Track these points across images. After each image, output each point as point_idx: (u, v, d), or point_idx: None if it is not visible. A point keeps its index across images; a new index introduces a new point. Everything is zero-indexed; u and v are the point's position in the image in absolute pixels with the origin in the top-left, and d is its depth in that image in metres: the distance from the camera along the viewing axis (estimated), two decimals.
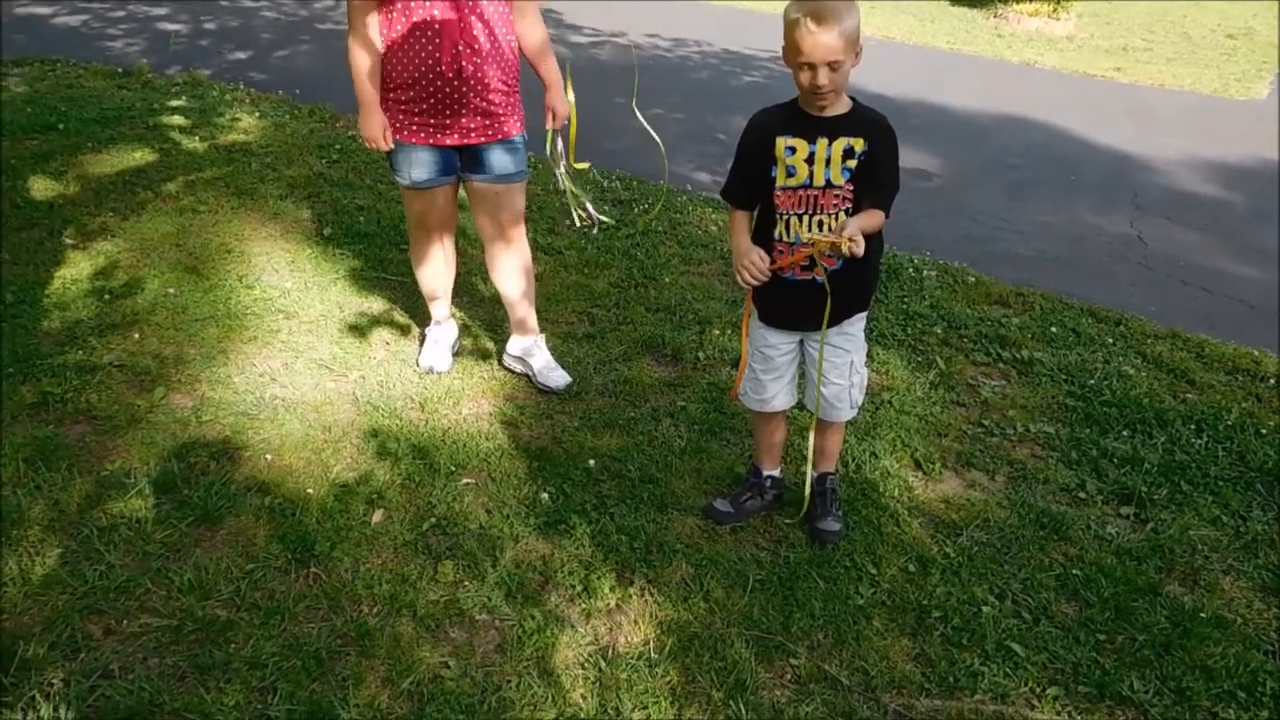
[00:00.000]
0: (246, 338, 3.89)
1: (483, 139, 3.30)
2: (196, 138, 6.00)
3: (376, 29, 3.18)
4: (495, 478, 3.16)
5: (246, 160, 5.69)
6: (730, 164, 2.74)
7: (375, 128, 3.25)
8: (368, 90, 3.23)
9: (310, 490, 3.01)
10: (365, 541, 2.83)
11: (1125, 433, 3.61)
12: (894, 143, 2.61)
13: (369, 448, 3.27)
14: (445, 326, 3.87)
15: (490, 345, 3.96)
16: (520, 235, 3.58)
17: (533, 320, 3.75)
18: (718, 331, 4.14)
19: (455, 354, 3.87)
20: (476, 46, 3.15)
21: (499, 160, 3.36)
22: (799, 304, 2.73)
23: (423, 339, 3.90)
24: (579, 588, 2.71)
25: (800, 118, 2.57)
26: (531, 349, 3.74)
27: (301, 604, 2.58)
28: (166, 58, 7.92)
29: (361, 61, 3.20)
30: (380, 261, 4.57)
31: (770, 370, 2.88)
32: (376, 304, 4.23)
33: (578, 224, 3.79)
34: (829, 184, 2.57)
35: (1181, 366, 4.12)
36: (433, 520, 2.93)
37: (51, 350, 3.67)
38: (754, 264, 2.61)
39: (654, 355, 3.99)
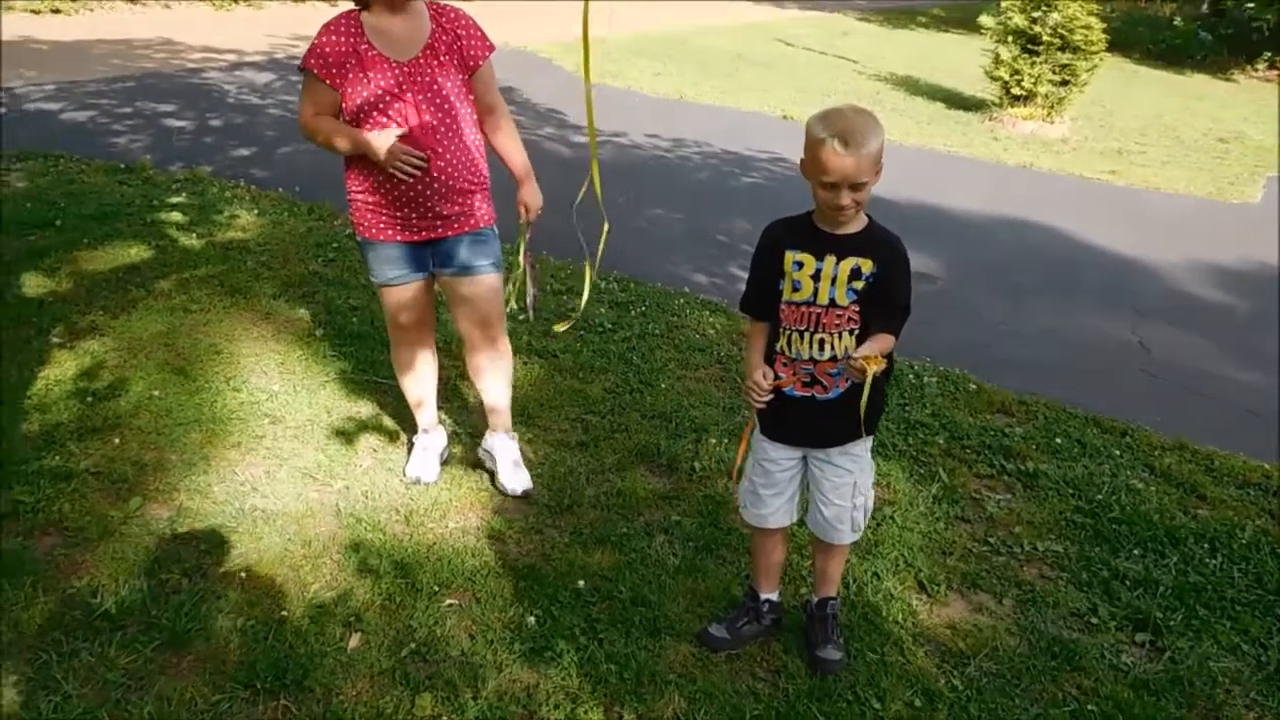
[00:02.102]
0: (230, 443, 3.79)
1: (449, 232, 3.28)
2: (194, 234, 5.98)
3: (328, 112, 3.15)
4: (480, 598, 3.02)
5: (242, 258, 5.66)
6: (746, 272, 2.72)
7: (386, 143, 3.06)
8: (350, 130, 3.10)
9: (285, 611, 2.88)
10: (340, 669, 2.68)
11: (1136, 552, 3.48)
12: (906, 266, 2.54)
13: (350, 564, 3.14)
14: (433, 435, 3.76)
15: (481, 456, 3.84)
16: (497, 332, 3.55)
17: (507, 419, 3.70)
18: (714, 440, 4.04)
19: (444, 462, 3.76)
20: (440, 149, 3.15)
21: (467, 252, 3.33)
22: (800, 420, 2.64)
23: (410, 446, 3.79)
24: None
25: (812, 232, 2.53)
26: (500, 448, 3.66)
27: None
28: (170, 154, 7.97)
29: (326, 123, 3.13)
30: (372, 364, 4.48)
31: (770, 485, 2.77)
32: (366, 408, 4.14)
33: (518, 308, 3.70)
34: (832, 303, 2.51)
35: (1191, 480, 4.01)
36: (413, 645, 2.79)
37: (28, 455, 3.56)
38: (755, 384, 2.56)
39: (649, 465, 3.87)
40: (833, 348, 2.53)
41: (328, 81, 3.09)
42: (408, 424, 3.98)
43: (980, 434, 4.27)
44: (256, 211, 6.55)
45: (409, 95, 3.09)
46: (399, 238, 3.26)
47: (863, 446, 2.70)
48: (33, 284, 5.07)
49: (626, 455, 3.91)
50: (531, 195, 3.45)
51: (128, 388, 4.12)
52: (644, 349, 4.93)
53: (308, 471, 3.65)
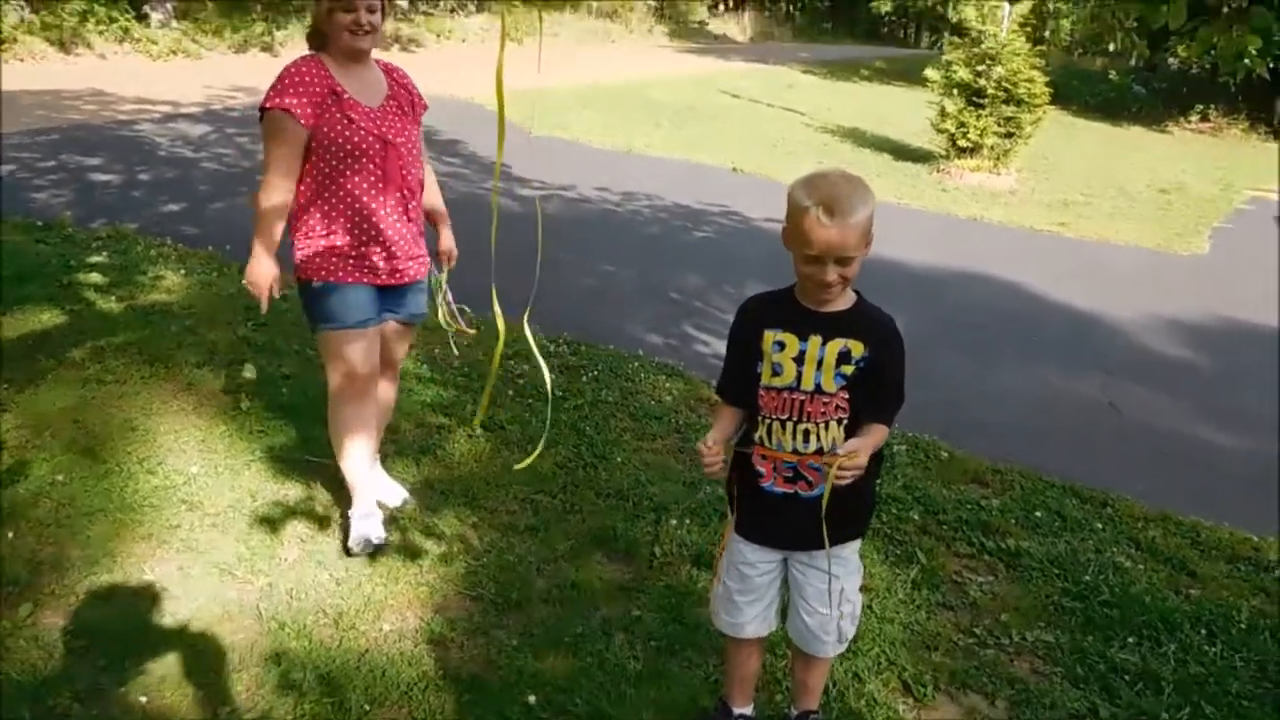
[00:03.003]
0: (140, 535, 3.41)
1: (407, 279, 3.33)
2: (113, 297, 5.59)
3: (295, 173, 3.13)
4: (418, 718, 2.67)
5: (165, 322, 5.29)
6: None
7: (268, 275, 3.14)
8: (276, 233, 3.15)
9: None
10: None
11: (1131, 640, 3.24)
12: (900, 349, 2.29)
13: (269, 679, 2.77)
14: (373, 490, 3.55)
15: (420, 543, 3.51)
16: (397, 370, 3.69)
17: (375, 444, 3.66)
18: (675, 522, 3.74)
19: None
20: (415, 192, 3.27)
21: (416, 300, 3.44)
22: (781, 520, 2.36)
23: (345, 528, 3.45)
24: None
25: (794, 310, 2.27)
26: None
27: None
28: (93, 210, 7.56)
29: (279, 203, 3.11)
30: (303, 440, 4.12)
31: (746, 591, 2.47)
32: (294, 491, 3.78)
33: (450, 332, 3.77)
34: (818, 389, 2.25)
35: (1179, 555, 3.80)
36: None
37: None
38: (704, 449, 2.26)
39: (605, 551, 3.56)
40: (819, 439, 2.25)
41: (302, 121, 3.04)
42: (341, 506, 3.64)
43: (956, 507, 4.02)
44: (183, 271, 6.17)
45: (388, 140, 3.15)
46: (365, 280, 3.22)
47: (850, 549, 2.42)
48: None
49: (581, 540, 3.60)
50: (452, 242, 3.58)
51: (27, 472, 3.73)
52: (596, 418, 4.63)
53: (227, 567, 3.28)
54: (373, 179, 3.15)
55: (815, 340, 2.23)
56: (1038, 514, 4.03)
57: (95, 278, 5.88)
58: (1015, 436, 4.96)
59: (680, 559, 3.52)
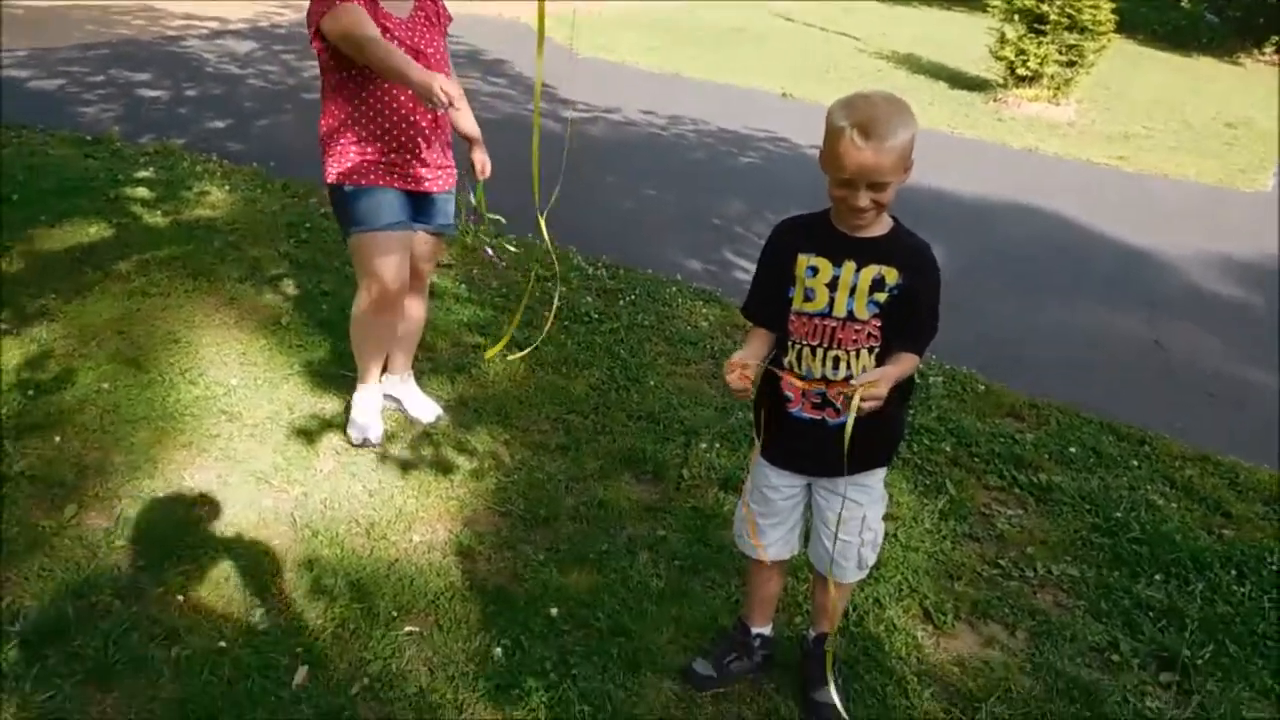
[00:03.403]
0: (181, 443, 3.50)
1: (435, 188, 3.37)
2: (159, 212, 5.66)
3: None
4: (443, 625, 2.74)
5: (209, 238, 5.35)
6: (741, 259, 2.43)
7: (434, 82, 2.84)
8: (402, 56, 2.96)
9: (225, 641, 2.59)
10: (282, 709, 2.40)
11: (1159, 577, 3.21)
12: (935, 278, 2.23)
13: (302, 584, 2.85)
14: (378, 387, 3.73)
15: (453, 458, 3.56)
16: (428, 285, 3.75)
17: (406, 361, 3.83)
18: (704, 445, 3.76)
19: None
20: None
21: (444, 211, 3.47)
22: (806, 445, 2.35)
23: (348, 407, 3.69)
24: None
25: (828, 234, 2.21)
26: (399, 386, 3.83)
27: None
28: (141, 125, 7.62)
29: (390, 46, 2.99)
30: (340, 355, 4.17)
31: (769, 515, 2.48)
32: (330, 404, 3.84)
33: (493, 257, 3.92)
34: (850, 316, 2.20)
35: (1215, 495, 3.74)
36: (365, 681, 2.51)
37: None
38: (736, 376, 2.15)
39: (634, 472, 3.59)
40: (849, 366, 2.22)
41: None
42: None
43: (989, 440, 3.99)
44: (227, 188, 6.22)
45: (419, 50, 3.14)
46: (396, 184, 3.26)
47: (875, 478, 2.41)
48: None
49: (610, 461, 3.63)
50: (485, 155, 3.50)
51: (75, 380, 3.83)
52: (632, 342, 4.64)
53: (263, 476, 3.36)
54: (399, 88, 3.15)
55: (849, 266, 2.17)
56: (1072, 450, 3.99)
57: (142, 192, 5.94)
58: (1056, 372, 4.89)
59: (708, 482, 3.54)
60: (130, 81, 9.05)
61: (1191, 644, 2.89)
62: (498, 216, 3.65)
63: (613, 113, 9.83)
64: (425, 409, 3.81)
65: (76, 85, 8.73)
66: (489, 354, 4.24)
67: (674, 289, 5.35)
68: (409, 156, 3.25)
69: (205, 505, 3.18)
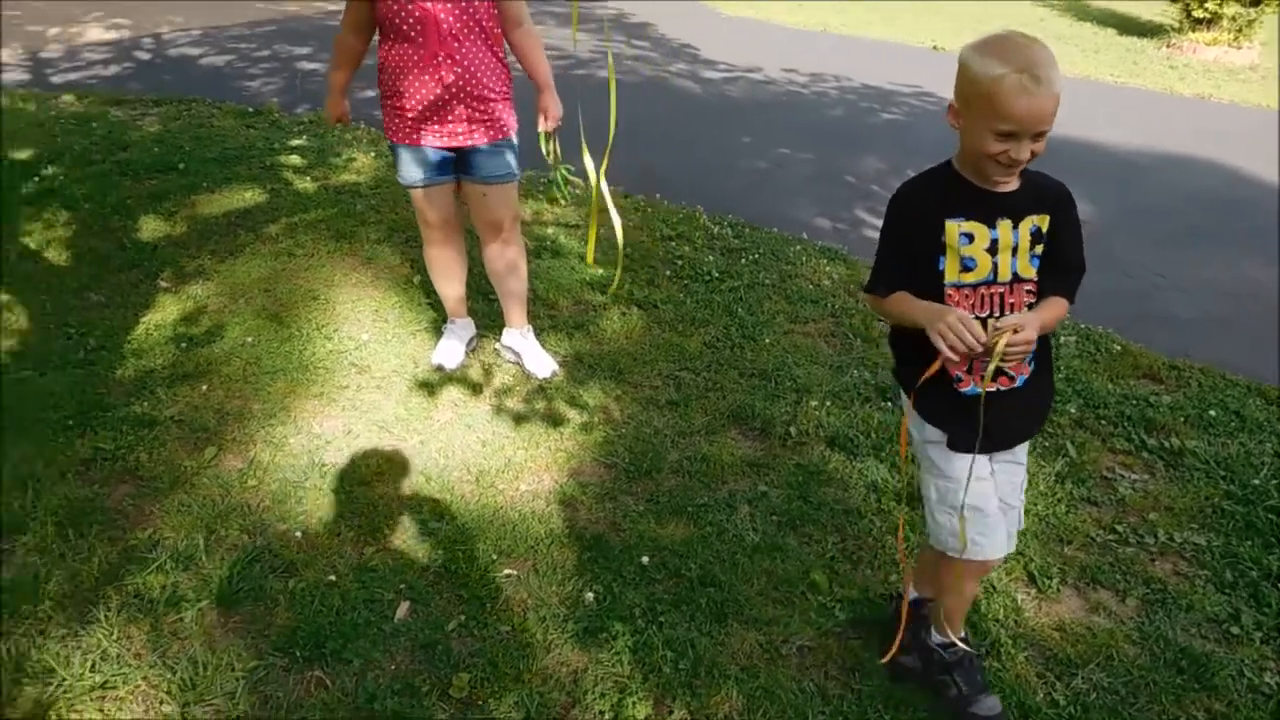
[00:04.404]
0: (313, 393, 3.72)
1: (470, 142, 3.44)
2: (309, 178, 5.98)
3: (363, 31, 3.43)
4: (540, 570, 2.84)
5: (352, 202, 5.62)
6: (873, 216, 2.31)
7: (332, 109, 3.65)
8: (338, 77, 3.58)
9: (335, 575, 2.77)
10: (383, 640, 2.55)
11: None
12: (1076, 212, 2.09)
13: (411, 526, 3.01)
14: (460, 324, 4.02)
15: (564, 412, 3.66)
16: (510, 234, 3.76)
17: (520, 314, 3.95)
18: (815, 403, 3.73)
19: (471, 350, 4.03)
20: (459, 55, 3.28)
21: (486, 162, 3.51)
22: (994, 420, 2.06)
23: (439, 336, 4.05)
24: (609, 714, 2.36)
25: (971, 194, 2.00)
26: (519, 340, 3.97)
27: (295, 716, 2.32)
28: (296, 96, 8.04)
29: (343, 50, 3.51)
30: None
31: (984, 507, 2.16)
32: None
33: (560, 200, 3.96)
34: (1017, 278, 2.03)
35: None
36: (461, 619, 2.64)
37: (117, 401, 3.57)
38: (962, 326, 1.88)
39: (741, 428, 3.61)
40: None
41: None
42: (494, 375, 3.86)
43: (1120, 403, 3.81)
44: (374, 154, 6.50)
45: (427, 12, 3.20)
46: (424, 142, 3.42)
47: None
48: (149, 228, 5.14)
49: (718, 417, 3.65)
50: (553, 104, 3.53)
51: (224, 334, 4.11)
52: (751, 300, 4.62)
53: (385, 425, 3.54)
54: (415, 47, 3.25)
55: (1005, 225, 2.00)
56: (1212, 413, 3.76)
57: (294, 160, 6.29)
58: (1203, 332, 4.60)
59: (815, 439, 3.52)
60: (291, 55, 9.54)
61: None
62: (562, 165, 3.78)
63: (754, 72, 9.73)
64: (541, 364, 3.92)
65: (243, 60, 9.27)
66: (590, 258, 4.34)
67: (799, 247, 5.29)
68: (429, 116, 3.36)
69: (330, 451, 3.38)
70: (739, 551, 2.92)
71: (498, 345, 4.03)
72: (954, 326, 1.89)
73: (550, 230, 5.26)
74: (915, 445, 2.24)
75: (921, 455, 2.23)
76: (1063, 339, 4.31)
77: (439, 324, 4.23)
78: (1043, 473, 3.35)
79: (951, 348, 1.89)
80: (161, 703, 2.33)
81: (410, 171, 3.52)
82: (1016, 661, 2.55)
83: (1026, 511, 3.09)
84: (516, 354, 3.98)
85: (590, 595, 2.74)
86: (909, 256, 2.06)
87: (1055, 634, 2.65)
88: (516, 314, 3.94)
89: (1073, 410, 3.75)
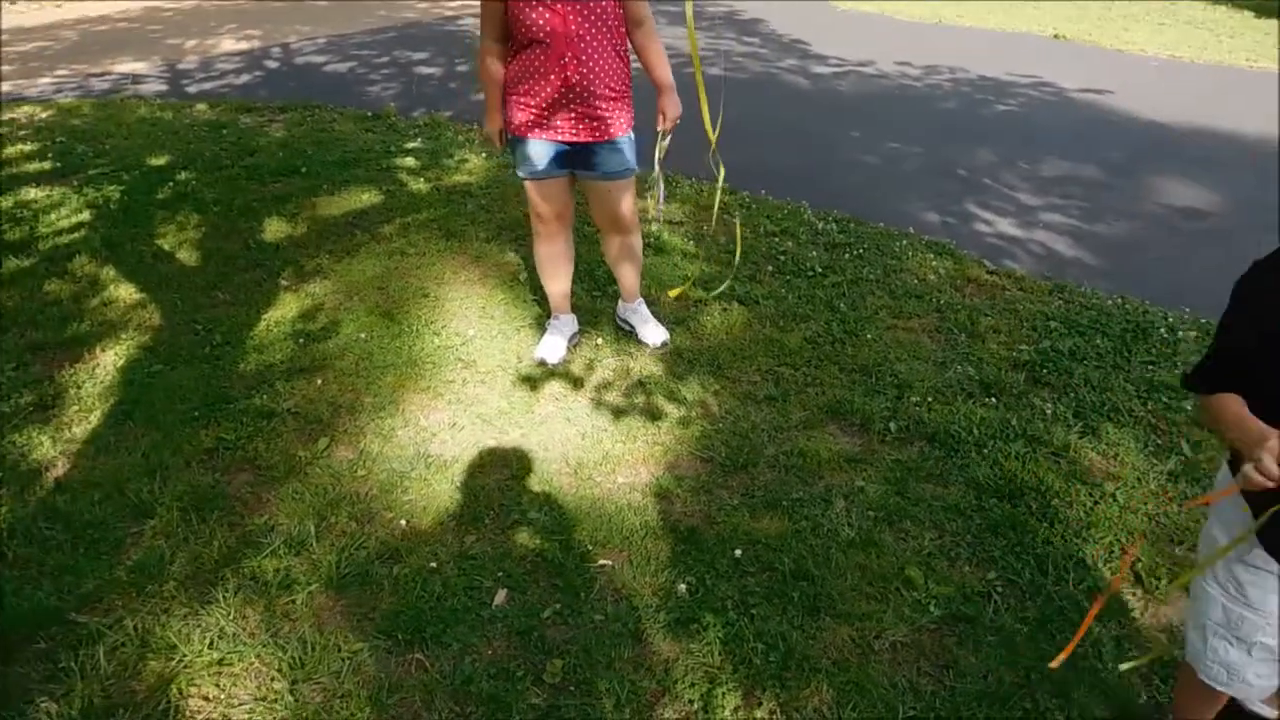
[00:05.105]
0: (421, 387, 3.85)
1: (589, 139, 3.52)
2: (422, 179, 6.17)
3: (505, 38, 3.46)
4: (634, 561, 2.88)
5: (463, 202, 5.78)
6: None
7: (491, 127, 3.68)
8: (492, 95, 3.59)
9: (437, 562, 2.87)
10: (480, 626, 2.64)
11: None
12: None
13: (511, 515, 3.09)
14: (564, 319, 4.12)
15: (662, 406, 3.70)
16: (628, 225, 3.89)
17: (635, 290, 4.16)
18: (916, 399, 3.68)
19: (573, 345, 4.13)
20: (583, 56, 3.35)
21: (603, 159, 3.60)
22: None
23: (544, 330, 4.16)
24: (698, 704, 2.39)
25: None
26: (633, 313, 4.20)
27: (395, 696, 2.41)
28: (413, 100, 8.29)
29: (491, 68, 3.54)
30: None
31: (1266, 626, 1.87)
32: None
33: (652, 212, 4.04)
34: None
35: None
36: (556, 607, 2.70)
37: (239, 394, 3.77)
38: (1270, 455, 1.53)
39: (839, 424, 3.58)
40: None
41: None
42: (596, 371, 3.92)
43: None
44: (485, 155, 6.67)
45: (554, 13, 3.27)
46: (543, 136, 3.51)
47: None
48: (272, 229, 5.40)
49: (816, 412, 3.64)
50: (670, 105, 3.59)
51: (339, 330, 4.29)
52: (854, 295, 4.58)
53: (488, 419, 3.64)
54: (537, 46, 3.32)
55: None
56: None
57: (409, 162, 6.50)
58: None
59: (914, 435, 3.48)
60: (410, 60, 9.85)
61: None
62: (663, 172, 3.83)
63: (865, 66, 9.59)
64: (654, 334, 4.13)
65: (364, 67, 9.62)
66: (672, 293, 4.49)
67: (904, 242, 5.21)
68: (553, 109, 3.44)
69: (435, 443, 3.49)
70: (833, 546, 2.91)
71: (618, 318, 4.28)
72: (1260, 470, 1.52)
73: (654, 227, 5.31)
74: (1206, 546, 1.96)
75: (1221, 567, 1.91)
76: (1180, 334, 4.14)
77: (543, 320, 4.32)
78: (1154, 471, 3.23)
79: (1265, 475, 1.53)
80: (273, 679, 2.46)
81: (528, 164, 3.62)
82: (1118, 665, 2.47)
83: (1134, 510, 3.02)
84: (630, 325, 4.21)
85: (683, 587, 2.77)
86: (1254, 347, 1.68)
87: (1162, 637, 2.56)
88: (629, 287, 4.14)
89: (1190, 407, 3.60)
